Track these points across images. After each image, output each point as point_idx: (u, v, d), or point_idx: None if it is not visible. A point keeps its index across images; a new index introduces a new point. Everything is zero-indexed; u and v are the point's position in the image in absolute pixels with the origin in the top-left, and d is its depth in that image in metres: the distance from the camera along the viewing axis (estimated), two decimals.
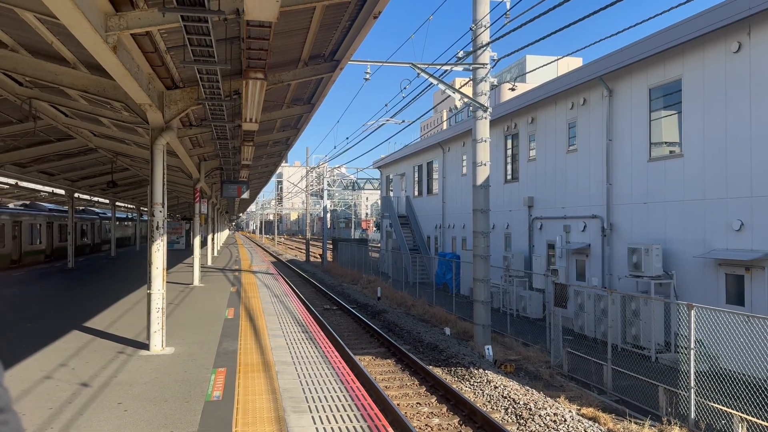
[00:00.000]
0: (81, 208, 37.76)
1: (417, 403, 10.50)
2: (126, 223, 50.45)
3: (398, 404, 10.19)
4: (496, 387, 11.13)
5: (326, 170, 49.07)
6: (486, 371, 12.07)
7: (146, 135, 12.24)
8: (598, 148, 17.77)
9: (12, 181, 22.88)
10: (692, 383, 9.41)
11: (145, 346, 9.04)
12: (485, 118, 15.03)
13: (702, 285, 13.96)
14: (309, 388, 7.13)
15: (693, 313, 9.57)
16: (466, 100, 15.31)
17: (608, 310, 13.98)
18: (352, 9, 7.83)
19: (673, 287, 14.54)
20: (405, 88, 16.27)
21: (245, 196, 22.53)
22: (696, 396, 9.42)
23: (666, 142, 15.71)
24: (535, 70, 17.80)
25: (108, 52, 5.90)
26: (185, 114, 10.49)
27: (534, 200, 21.50)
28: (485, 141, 15.13)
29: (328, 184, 49.47)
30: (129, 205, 43.62)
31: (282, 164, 35.77)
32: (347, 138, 28.81)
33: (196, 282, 18.06)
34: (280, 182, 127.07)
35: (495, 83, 15.52)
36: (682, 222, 14.68)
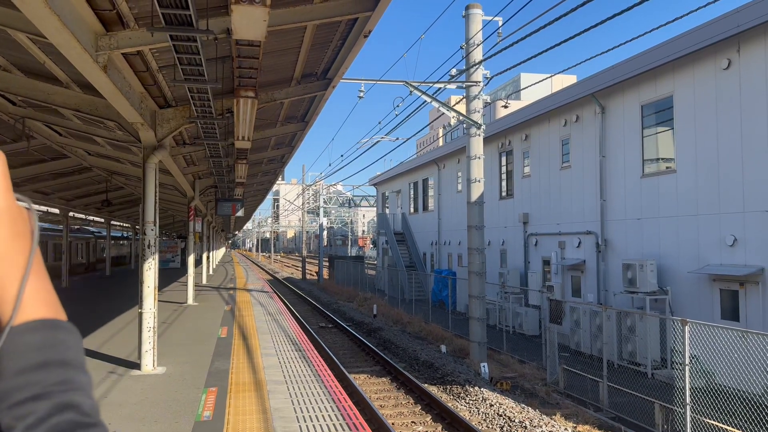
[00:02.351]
0: (76, 227, 37.68)
1: (412, 422, 10.41)
2: (121, 242, 50.31)
3: (393, 423, 10.10)
4: (491, 405, 11.05)
5: (322, 187, 49.18)
6: (482, 389, 11.99)
7: (139, 153, 12.27)
8: (592, 165, 17.84)
9: None
10: (688, 399, 9.35)
11: (137, 366, 8.97)
12: (479, 135, 15.10)
13: (697, 300, 13.94)
14: (300, 408, 7.07)
15: (687, 328, 9.54)
16: (460, 117, 15.40)
17: (604, 327, 13.94)
18: (343, 28, 7.90)
19: (668, 303, 14.52)
20: (398, 106, 16.35)
21: (240, 214, 22.52)
22: (692, 412, 9.36)
23: (659, 158, 15.79)
24: (528, 87, 17.93)
25: (98, 71, 5.93)
26: (178, 132, 10.54)
27: (529, 216, 21.53)
28: (479, 158, 15.18)
29: (325, 202, 49.55)
30: (124, 224, 43.57)
31: (278, 182, 35.74)
32: (342, 155, 29.11)
33: (190, 301, 17.97)
34: (276, 200, 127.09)
35: (488, 101, 15.60)
36: (676, 237, 14.71)
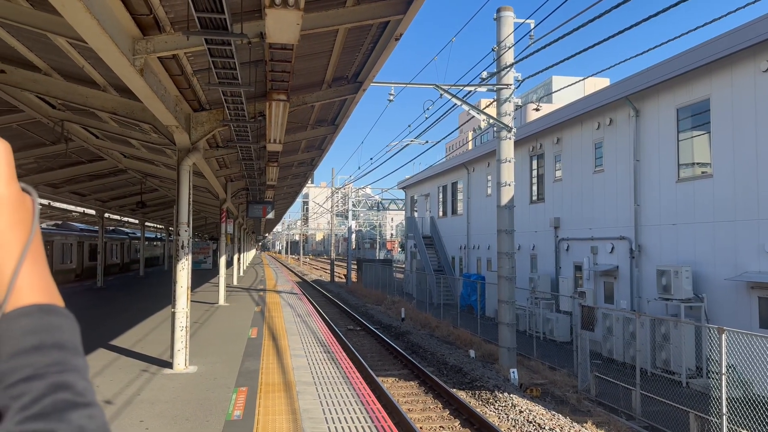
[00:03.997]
0: (111, 228, 38.50)
1: (440, 426, 10.36)
2: (155, 243, 51.21)
3: (421, 427, 10.07)
4: (521, 411, 10.94)
5: (351, 191, 49.33)
6: (511, 395, 11.88)
7: (174, 156, 12.49)
8: (626, 169, 17.56)
9: (45, 202, 23.48)
10: (724, 410, 9.12)
11: (169, 365, 9.12)
12: (509, 138, 14.99)
13: (734, 308, 13.60)
14: (329, 409, 7.10)
15: (724, 337, 9.31)
16: (490, 120, 15.31)
17: (637, 334, 13.69)
18: (374, 31, 7.94)
19: (703, 310, 14.19)
20: (428, 109, 16.33)
21: (270, 216, 22.74)
22: (728, 423, 9.12)
23: (695, 163, 15.46)
24: (560, 90, 17.76)
25: (135, 75, 6.07)
26: (211, 135, 10.68)
27: (560, 221, 21.28)
28: (510, 161, 15.07)
29: (353, 205, 49.67)
30: (158, 225, 44.35)
31: (307, 185, 35.99)
32: (371, 159, 29.20)
33: (222, 301, 18.21)
34: (305, 202, 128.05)
35: (519, 104, 15.50)
36: (712, 244, 14.37)
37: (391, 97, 16.00)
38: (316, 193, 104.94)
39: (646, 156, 16.80)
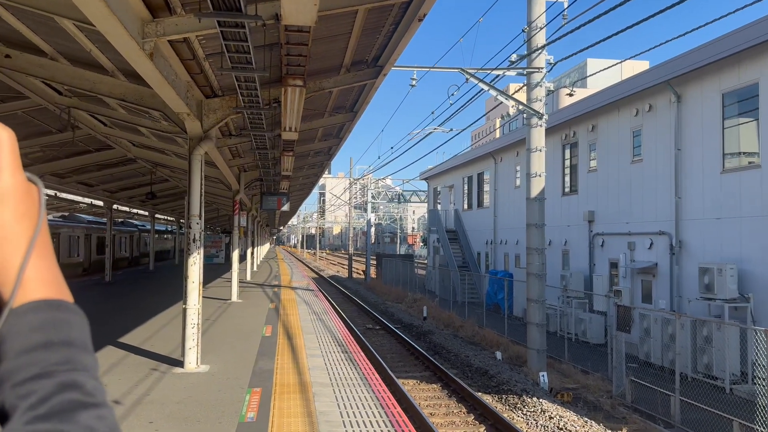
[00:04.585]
0: (120, 220, 39.02)
1: None
2: (165, 236, 51.79)
3: None
4: (551, 417, 10.90)
5: (370, 182, 49.36)
6: (540, 400, 11.84)
7: (185, 145, 12.61)
8: (666, 159, 17.32)
9: (51, 192, 23.87)
10: None
11: (180, 363, 9.23)
12: (540, 125, 14.87)
13: None
14: (347, 412, 7.14)
15: None
16: (520, 107, 15.20)
17: (677, 336, 13.53)
18: (395, 12, 7.91)
19: (750, 311, 13.97)
20: (453, 95, 16.25)
21: (285, 208, 22.88)
22: None
23: (741, 152, 15.19)
24: (596, 73, 17.53)
25: (145, 59, 6.12)
26: (224, 123, 10.77)
27: (595, 214, 21.08)
28: (540, 150, 14.96)
29: (373, 197, 49.70)
30: (168, 218, 44.86)
31: (324, 175, 36.07)
32: (392, 147, 28.93)
33: (234, 297, 18.39)
34: (322, 194, 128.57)
35: (551, 88, 15.36)
36: (759, 240, 14.12)
37: (414, 82, 15.95)
38: (334, 184, 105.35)
39: (688, 145, 16.55)
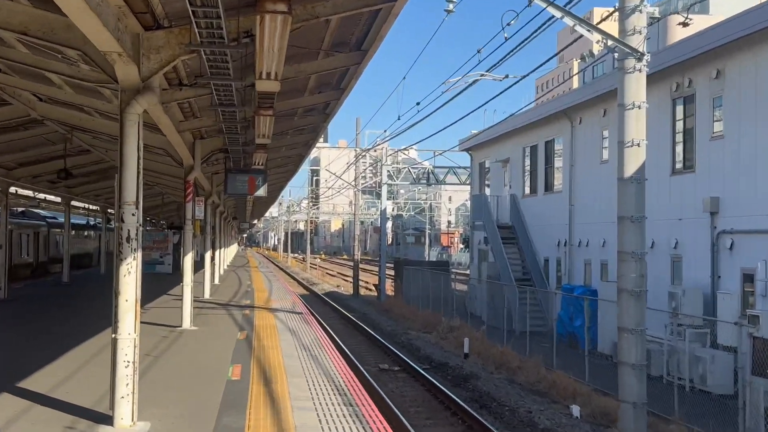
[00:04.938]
0: (20, 209, 39.23)
1: None
2: (86, 232, 52.09)
3: None
4: None
5: (386, 154, 49.29)
6: None
7: (115, 99, 12.60)
8: None
9: None
10: None
11: (107, 420, 9.25)
12: (640, 70, 14.75)
13: None
14: None
15: None
16: (609, 42, 15.08)
17: None
18: None
19: None
20: (509, 25, 16.08)
21: (261, 192, 22.90)
22: None
23: None
24: None
25: None
26: (172, 68, 10.76)
27: (720, 203, 20.93)
28: (639, 107, 14.83)
29: (389, 176, 49.63)
30: (91, 206, 45.08)
31: (318, 144, 36.13)
32: (418, 104, 28.42)
33: (187, 323, 18.45)
34: (315, 172, 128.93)
35: (657, 15, 15.20)
36: None
37: (451, 6, 15.86)
38: (332, 157, 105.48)
39: None
